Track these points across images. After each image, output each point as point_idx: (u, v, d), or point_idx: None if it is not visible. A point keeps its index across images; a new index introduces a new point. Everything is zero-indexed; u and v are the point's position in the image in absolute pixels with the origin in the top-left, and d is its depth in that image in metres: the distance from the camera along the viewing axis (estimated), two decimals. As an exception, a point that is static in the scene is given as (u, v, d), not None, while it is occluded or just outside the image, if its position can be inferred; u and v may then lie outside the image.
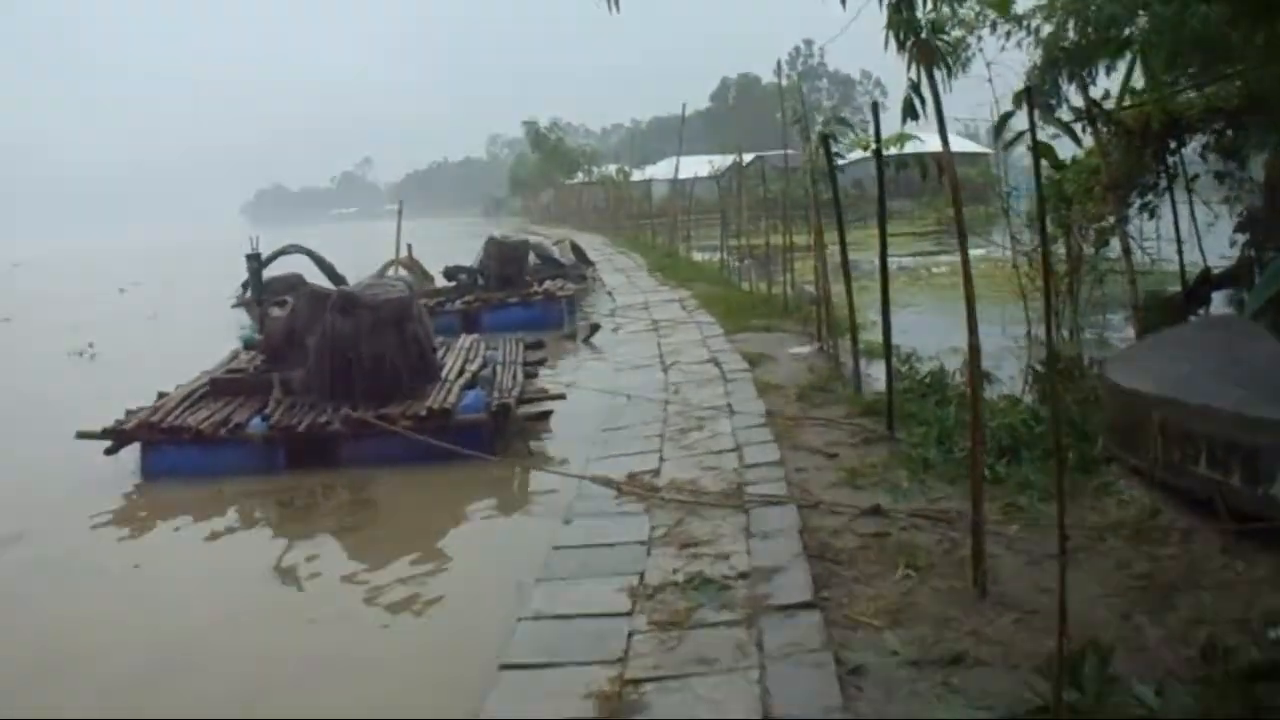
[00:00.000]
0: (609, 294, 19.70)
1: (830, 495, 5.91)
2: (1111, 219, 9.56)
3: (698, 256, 26.69)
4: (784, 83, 17.41)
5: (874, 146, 6.83)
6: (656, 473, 6.78)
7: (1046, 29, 11.68)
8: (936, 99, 4.49)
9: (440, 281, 17.75)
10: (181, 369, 10.23)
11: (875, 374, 9.61)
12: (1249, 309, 7.60)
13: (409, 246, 18.33)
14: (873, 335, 10.52)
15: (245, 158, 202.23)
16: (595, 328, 14.13)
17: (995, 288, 12.39)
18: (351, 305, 9.03)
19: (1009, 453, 6.23)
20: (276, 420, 8.28)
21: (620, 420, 8.53)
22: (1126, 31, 11.86)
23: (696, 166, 31.52)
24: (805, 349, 11.28)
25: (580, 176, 54.33)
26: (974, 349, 4.65)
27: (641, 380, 10.15)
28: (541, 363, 10.92)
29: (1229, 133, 8.91)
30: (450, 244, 31.44)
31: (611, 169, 43.16)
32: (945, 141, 4.56)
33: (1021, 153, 4.54)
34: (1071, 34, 10.68)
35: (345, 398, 8.66)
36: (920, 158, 5.65)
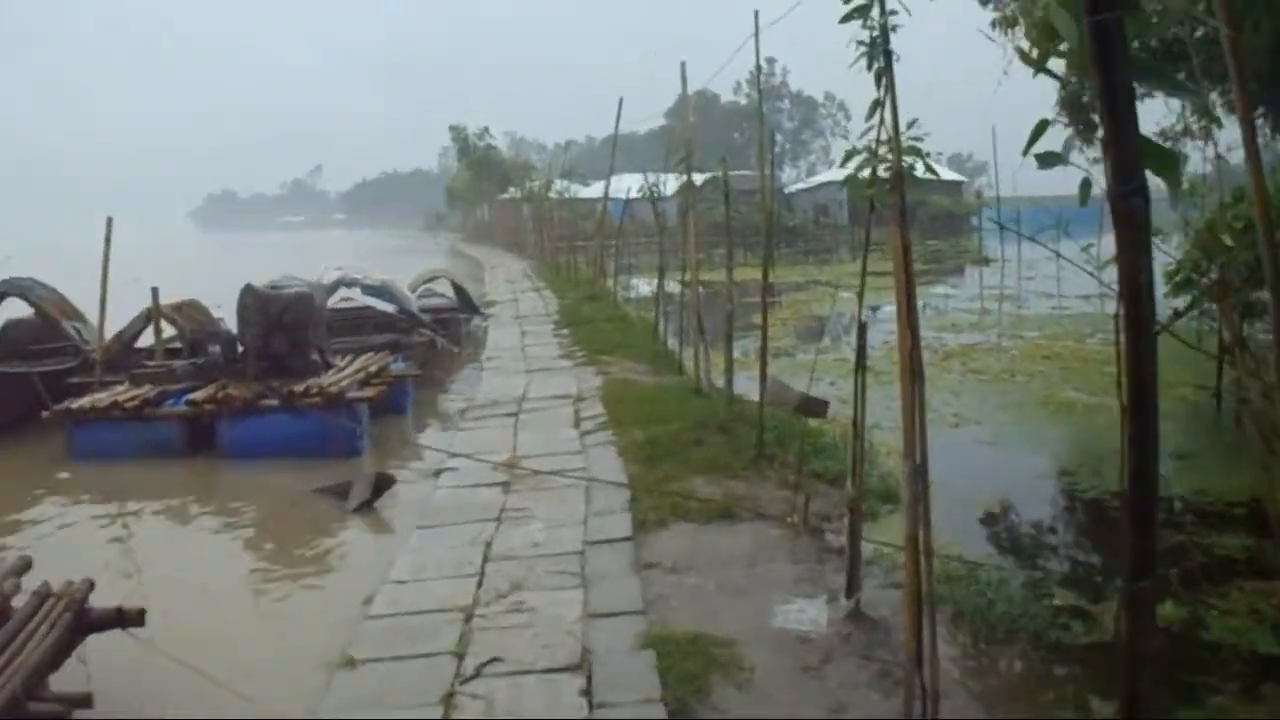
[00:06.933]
0: (482, 366, 12.83)
1: None
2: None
3: (636, 289, 20.46)
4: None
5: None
6: None
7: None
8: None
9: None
10: None
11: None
12: None
13: (154, 290, 10.70)
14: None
15: (196, 159, 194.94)
16: (386, 482, 7.18)
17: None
18: None
19: None
20: None
21: None
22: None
23: (636, 184, 24.65)
24: (815, 616, 4.50)
25: (513, 191, 47.37)
26: None
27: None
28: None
29: None
30: (377, 261, 25.48)
31: (537, 184, 35.82)
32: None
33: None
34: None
35: None
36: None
